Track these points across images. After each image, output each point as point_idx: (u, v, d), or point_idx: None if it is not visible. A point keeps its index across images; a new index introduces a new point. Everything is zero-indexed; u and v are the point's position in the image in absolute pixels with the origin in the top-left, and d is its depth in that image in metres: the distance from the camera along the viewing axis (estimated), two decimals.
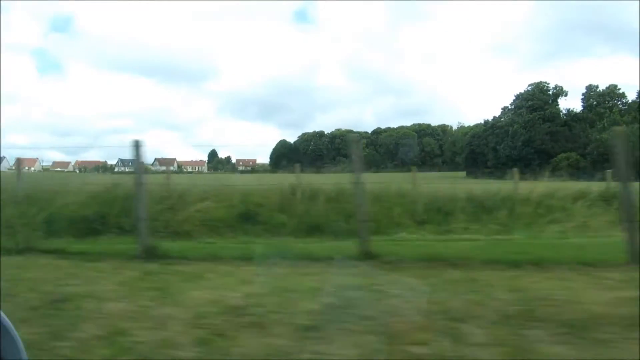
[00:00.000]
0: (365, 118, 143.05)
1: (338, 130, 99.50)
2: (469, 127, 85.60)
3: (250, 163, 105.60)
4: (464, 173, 54.14)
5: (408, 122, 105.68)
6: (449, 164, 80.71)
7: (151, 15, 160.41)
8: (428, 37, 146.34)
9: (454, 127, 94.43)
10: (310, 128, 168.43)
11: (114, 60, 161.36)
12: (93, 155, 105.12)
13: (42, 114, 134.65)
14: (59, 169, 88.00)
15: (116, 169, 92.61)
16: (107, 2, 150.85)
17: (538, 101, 61.07)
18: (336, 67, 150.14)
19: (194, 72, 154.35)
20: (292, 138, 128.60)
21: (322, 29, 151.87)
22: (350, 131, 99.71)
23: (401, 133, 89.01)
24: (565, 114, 61.35)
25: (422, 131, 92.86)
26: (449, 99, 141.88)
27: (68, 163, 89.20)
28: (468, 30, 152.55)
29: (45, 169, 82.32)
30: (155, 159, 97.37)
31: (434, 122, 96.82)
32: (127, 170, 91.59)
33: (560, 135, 57.51)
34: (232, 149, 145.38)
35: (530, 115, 60.17)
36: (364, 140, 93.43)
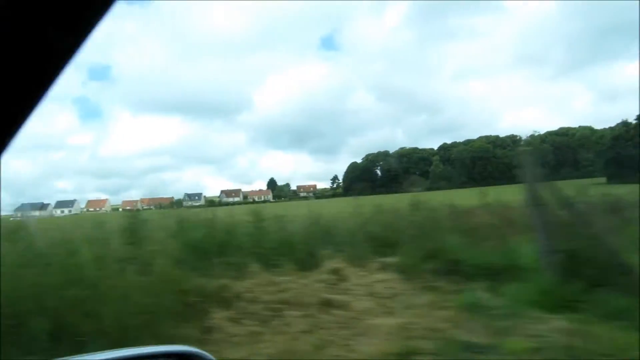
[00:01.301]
0: (397, 138, 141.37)
1: (402, 148, 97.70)
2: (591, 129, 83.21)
3: (311, 189, 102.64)
4: (603, 179, 50.97)
5: (439, 141, 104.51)
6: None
7: (185, 56, 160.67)
8: (456, 53, 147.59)
9: (523, 137, 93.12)
10: (342, 152, 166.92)
11: (151, 102, 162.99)
12: (135, 194, 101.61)
13: (85, 159, 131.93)
14: (128, 208, 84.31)
15: (183, 204, 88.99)
16: (140, 49, 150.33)
17: None
18: (365, 90, 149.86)
19: (226, 106, 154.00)
20: (323, 164, 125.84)
21: (349, 53, 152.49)
22: (415, 149, 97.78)
23: (476, 147, 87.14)
24: None
25: (490, 143, 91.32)
26: (482, 112, 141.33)
27: (136, 201, 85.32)
28: (496, 42, 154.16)
29: (114, 209, 78.55)
30: (222, 191, 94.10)
31: (466, 136, 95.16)
32: (193, 204, 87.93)
33: None
34: (280, 176, 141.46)
35: None
36: (437, 157, 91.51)
